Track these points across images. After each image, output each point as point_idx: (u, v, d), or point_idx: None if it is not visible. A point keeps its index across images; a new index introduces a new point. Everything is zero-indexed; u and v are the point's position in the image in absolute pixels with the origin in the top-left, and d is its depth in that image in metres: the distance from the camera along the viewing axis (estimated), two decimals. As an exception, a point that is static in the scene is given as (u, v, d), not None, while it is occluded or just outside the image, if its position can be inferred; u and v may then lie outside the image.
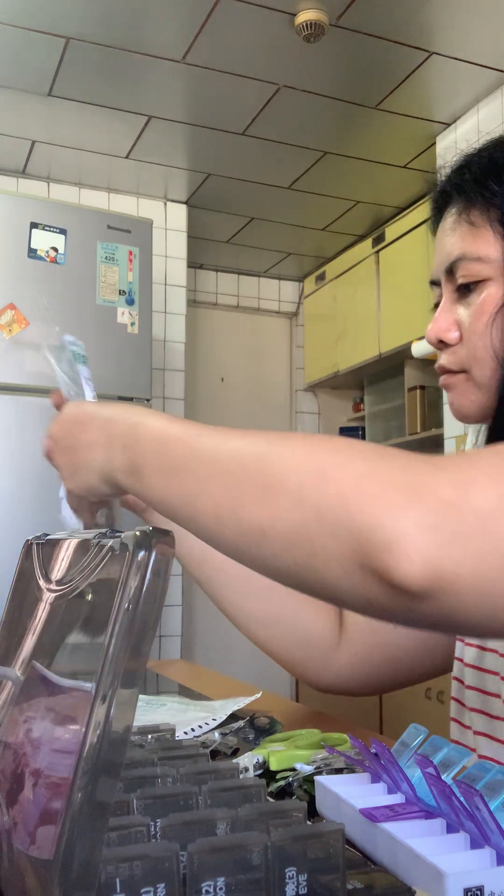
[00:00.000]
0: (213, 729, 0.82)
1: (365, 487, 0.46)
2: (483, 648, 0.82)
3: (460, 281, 0.75)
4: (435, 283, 0.80)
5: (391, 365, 3.82)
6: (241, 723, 0.81)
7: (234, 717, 0.87)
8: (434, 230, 0.81)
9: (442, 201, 0.79)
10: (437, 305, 0.80)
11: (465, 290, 0.75)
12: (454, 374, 0.78)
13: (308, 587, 0.49)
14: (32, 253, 2.70)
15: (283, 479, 0.48)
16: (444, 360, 0.78)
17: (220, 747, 0.74)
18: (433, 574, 0.43)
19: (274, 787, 0.63)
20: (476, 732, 0.80)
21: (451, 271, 0.76)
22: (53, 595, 0.46)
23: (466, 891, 0.42)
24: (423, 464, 0.48)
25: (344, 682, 0.94)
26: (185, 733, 0.80)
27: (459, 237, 0.75)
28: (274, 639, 0.95)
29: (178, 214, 3.70)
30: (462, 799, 0.46)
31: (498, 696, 0.78)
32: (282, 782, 0.63)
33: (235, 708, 0.90)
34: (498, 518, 0.44)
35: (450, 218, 0.77)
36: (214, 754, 0.73)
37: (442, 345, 0.78)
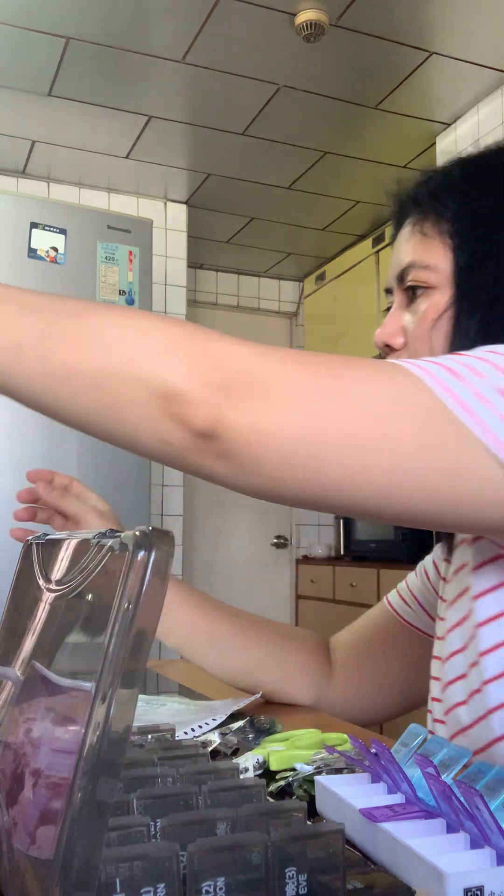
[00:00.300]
0: (213, 729, 0.82)
1: (179, 347, 0.53)
2: (440, 638, 0.83)
3: (408, 283, 0.79)
4: (389, 290, 0.84)
5: (391, 365, 3.82)
6: (241, 723, 0.81)
7: (234, 717, 0.87)
8: (393, 240, 0.86)
9: (400, 214, 0.83)
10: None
11: (412, 297, 0.79)
12: None
13: (105, 429, 0.55)
14: (32, 253, 2.70)
15: (103, 328, 0.53)
16: None
17: (220, 747, 0.74)
18: (216, 420, 0.51)
19: (274, 787, 0.63)
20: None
21: (401, 278, 0.80)
22: (53, 595, 0.46)
23: (466, 891, 0.42)
24: (234, 340, 0.55)
25: (340, 713, 0.97)
26: (185, 733, 0.80)
27: (412, 246, 0.79)
28: (262, 684, 0.97)
29: (179, 214, 3.70)
30: (462, 799, 0.46)
31: (437, 678, 0.80)
32: (282, 782, 0.63)
33: (235, 708, 0.90)
34: (280, 391, 0.53)
35: (406, 228, 0.81)
36: (214, 754, 0.73)
37: (388, 349, 0.81)
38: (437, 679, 0.80)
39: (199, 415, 0.52)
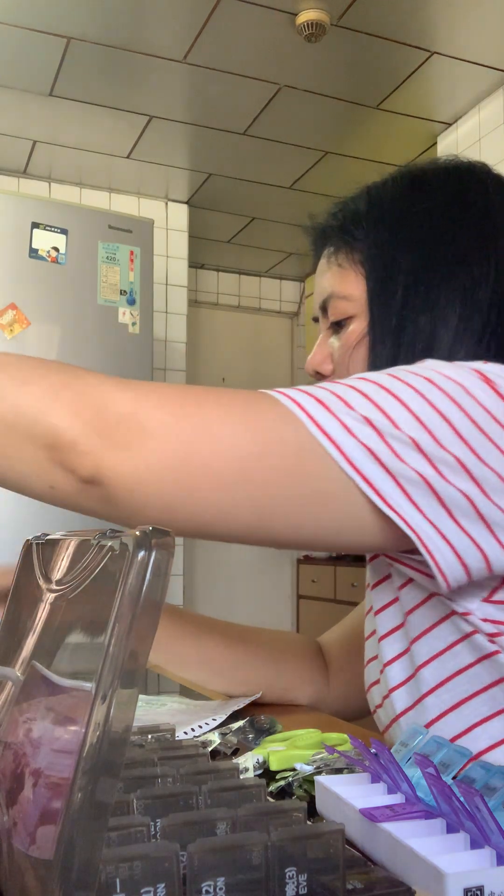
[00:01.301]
0: (214, 729, 0.82)
1: (61, 396, 0.57)
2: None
3: (331, 318, 0.82)
4: (316, 319, 0.88)
5: (392, 365, 3.82)
6: (241, 723, 0.81)
7: (234, 716, 0.87)
8: (314, 268, 0.89)
9: (317, 245, 0.87)
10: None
11: (336, 327, 0.83)
12: None
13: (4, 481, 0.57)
14: (34, 253, 2.70)
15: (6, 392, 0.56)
16: None
17: (220, 747, 0.74)
18: (98, 468, 0.55)
19: (274, 787, 0.63)
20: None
21: (324, 308, 0.84)
22: (53, 595, 0.46)
23: (466, 891, 0.42)
24: (114, 383, 0.58)
25: (340, 712, 0.98)
26: (185, 733, 0.80)
27: (330, 277, 0.83)
28: (263, 697, 0.98)
29: (180, 214, 3.70)
30: (462, 799, 0.46)
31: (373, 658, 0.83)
32: (282, 782, 0.63)
33: (236, 708, 0.90)
34: (156, 435, 0.56)
35: (324, 259, 0.85)
36: (214, 754, 0.73)
37: (318, 375, 0.85)
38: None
39: (83, 463, 0.55)
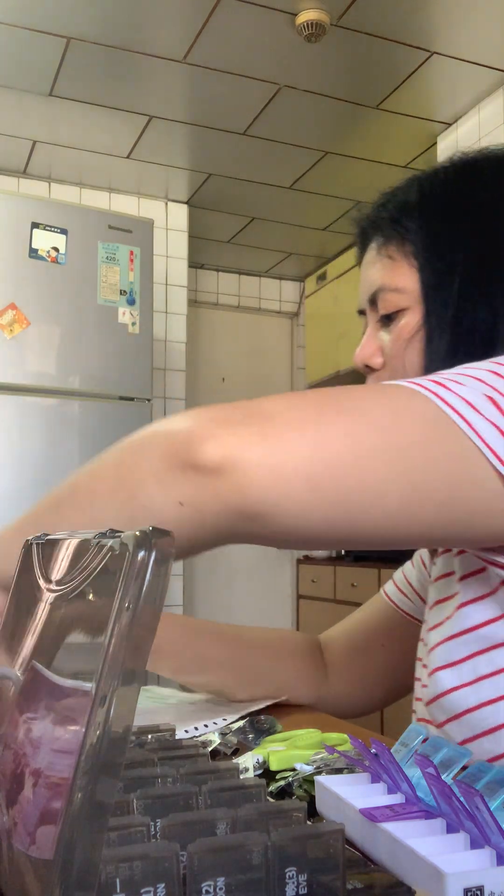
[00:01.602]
0: (213, 729, 0.82)
1: (175, 417, 0.55)
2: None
3: (381, 312, 0.82)
4: (362, 312, 0.87)
5: (392, 365, 3.83)
6: (241, 723, 0.81)
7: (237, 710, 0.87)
8: (359, 261, 0.89)
9: (363, 238, 0.86)
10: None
11: (386, 320, 0.82)
12: None
13: (128, 513, 0.53)
14: (33, 253, 2.70)
15: (109, 448, 0.57)
16: (370, 383, 0.84)
17: (220, 747, 0.74)
18: (222, 453, 0.49)
19: (274, 787, 0.63)
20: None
21: (373, 301, 0.83)
22: (53, 595, 0.46)
23: (466, 891, 0.42)
24: (224, 405, 0.55)
25: (339, 709, 0.98)
26: (186, 731, 0.80)
27: (380, 269, 0.82)
28: (258, 694, 0.97)
29: (179, 214, 3.70)
30: (462, 799, 0.46)
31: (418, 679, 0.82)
32: (282, 782, 0.63)
33: (252, 709, 0.90)
34: (284, 417, 0.52)
35: (371, 251, 0.84)
36: (214, 754, 0.73)
37: (367, 369, 0.84)
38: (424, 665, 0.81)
39: (206, 451, 0.50)
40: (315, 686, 0.99)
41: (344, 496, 0.52)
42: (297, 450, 0.50)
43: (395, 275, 0.80)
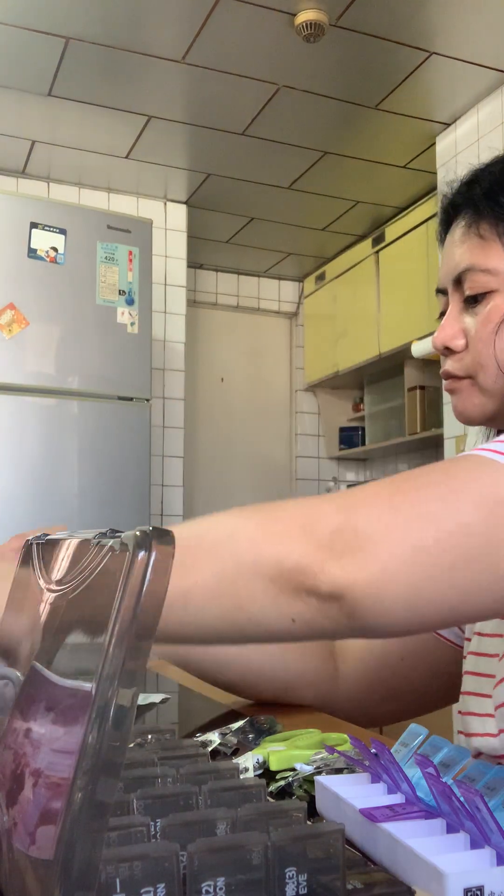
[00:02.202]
0: (213, 729, 0.82)
1: (271, 529, 0.55)
2: (482, 634, 0.82)
3: (468, 292, 0.78)
4: (441, 291, 0.83)
5: (391, 365, 3.83)
6: (241, 723, 0.81)
7: (234, 716, 0.87)
8: (442, 240, 0.84)
9: (451, 213, 0.82)
10: (442, 314, 0.83)
11: (472, 301, 0.78)
12: (459, 380, 0.81)
13: (236, 628, 0.55)
14: (32, 253, 2.70)
15: (196, 544, 0.55)
16: (449, 365, 0.82)
17: (220, 747, 0.74)
18: (337, 581, 0.51)
19: (274, 787, 0.63)
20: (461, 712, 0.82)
21: (458, 282, 0.79)
22: (53, 595, 0.46)
23: (466, 891, 0.42)
24: (314, 500, 0.57)
25: (345, 715, 0.95)
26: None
27: (468, 249, 0.78)
28: (263, 693, 0.96)
29: (178, 214, 3.70)
30: (462, 799, 0.46)
31: (491, 675, 0.79)
32: (282, 782, 0.63)
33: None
34: (377, 538, 0.52)
35: (459, 230, 0.80)
36: (214, 754, 0.73)
37: (448, 351, 0.81)
38: (489, 676, 0.79)
39: (318, 583, 0.52)
40: (321, 688, 0.97)
41: (443, 609, 0.54)
42: (398, 578, 0.52)
43: (486, 255, 0.77)
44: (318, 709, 0.97)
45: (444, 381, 0.84)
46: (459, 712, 0.83)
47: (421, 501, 0.54)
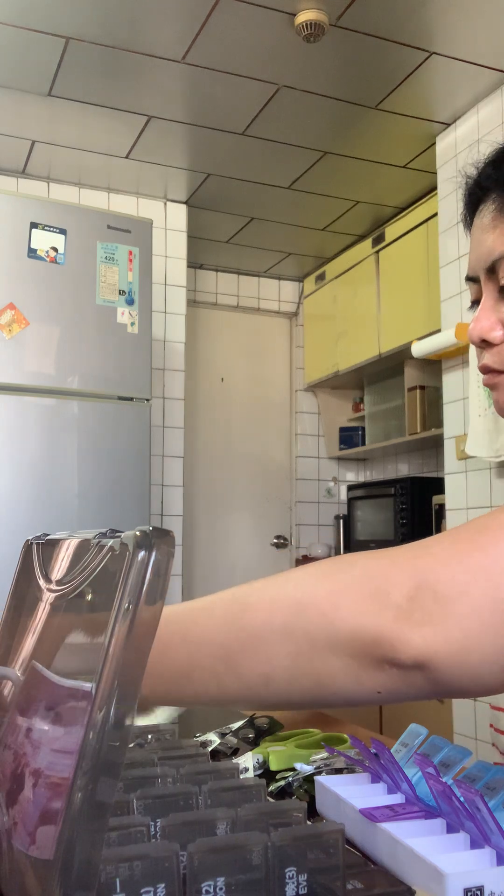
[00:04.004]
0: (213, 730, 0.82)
1: (341, 603, 0.52)
2: None
3: (503, 277, 0.73)
4: (472, 279, 0.78)
5: (391, 365, 3.83)
6: (240, 723, 0.81)
7: (234, 716, 0.86)
8: (468, 223, 0.79)
9: (478, 195, 0.77)
10: (475, 302, 0.79)
11: None
12: (499, 374, 0.77)
13: (319, 701, 0.54)
14: (32, 253, 2.70)
15: (266, 624, 0.53)
16: (487, 359, 0.77)
17: (220, 747, 0.74)
18: (418, 651, 0.50)
19: (274, 787, 0.63)
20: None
21: (492, 270, 0.74)
22: (53, 595, 0.46)
23: (466, 891, 0.42)
24: (382, 562, 0.54)
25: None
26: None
27: (500, 234, 0.73)
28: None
29: (178, 214, 3.70)
30: (462, 799, 0.46)
31: None
32: (282, 782, 0.63)
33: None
34: (455, 599, 0.50)
35: (488, 214, 0.75)
36: (215, 754, 0.73)
37: (485, 344, 0.76)
38: None
39: (399, 655, 0.50)
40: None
41: None
42: (482, 640, 0.50)
43: None
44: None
45: (482, 376, 0.79)
46: (491, 706, 0.82)
47: (500, 557, 0.51)
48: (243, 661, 0.53)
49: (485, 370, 0.78)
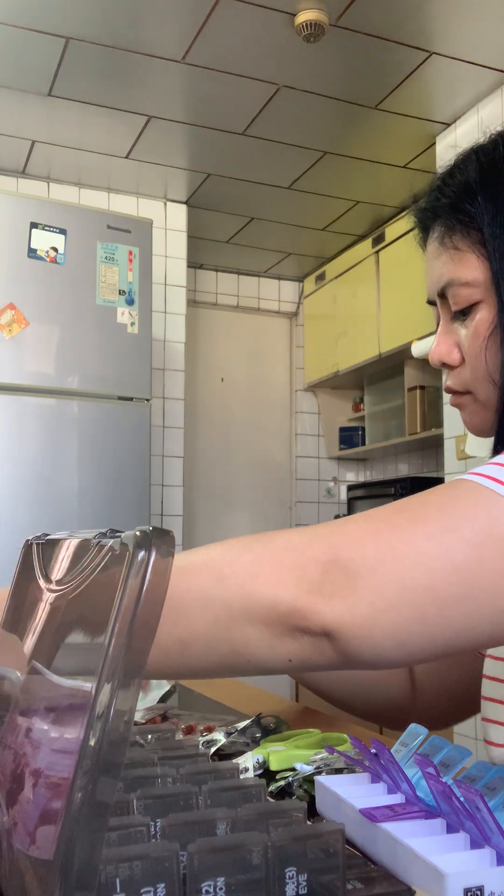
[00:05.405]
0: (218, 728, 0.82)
1: (259, 573, 0.54)
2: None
3: (454, 308, 0.75)
4: (431, 302, 0.80)
5: (391, 365, 3.82)
6: (246, 721, 0.81)
7: (240, 716, 0.87)
8: (423, 248, 0.81)
9: (425, 222, 0.79)
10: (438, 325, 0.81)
11: (460, 314, 0.76)
12: (461, 395, 0.79)
13: (235, 670, 0.56)
14: (32, 253, 2.70)
15: (187, 591, 0.55)
16: (450, 381, 0.80)
17: (224, 747, 0.74)
18: (326, 622, 0.52)
19: (274, 787, 0.63)
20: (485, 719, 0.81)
21: (443, 295, 0.77)
22: (53, 595, 0.46)
23: (466, 891, 0.42)
24: (301, 538, 0.56)
25: (431, 722, 0.95)
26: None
27: (445, 262, 0.75)
28: (356, 709, 0.98)
29: (178, 214, 3.70)
30: (462, 799, 0.46)
31: None
32: (282, 782, 0.63)
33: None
34: (364, 576, 0.53)
35: (434, 242, 0.77)
36: (218, 753, 0.73)
37: (446, 367, 0.79)
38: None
39: (310, 624, 0.53)
40: (403, 701, 0.97)
41: (437, 645, 0.54)
42: (386, 618, 0.52)
43: (463, 267, 0.73)
44: (399, 724, 0.96)
45: (448, 396, 0.81)
46: (483, 719, 0.82)
47: (412, 539, 0.53)
48: (161, 625, 0.54)
49: (448, 391, 0.81)
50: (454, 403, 0.80)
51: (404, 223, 3.60)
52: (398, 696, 0.97)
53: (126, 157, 3.28)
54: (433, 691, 0.98)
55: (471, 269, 0.73)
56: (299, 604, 0.53)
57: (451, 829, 0.49)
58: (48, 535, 0.52)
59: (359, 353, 3.86)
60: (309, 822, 0.48)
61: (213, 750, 0.72)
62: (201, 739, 0.76)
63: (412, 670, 0.99)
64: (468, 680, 0.94)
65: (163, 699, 0.98)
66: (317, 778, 0.59)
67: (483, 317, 0.73)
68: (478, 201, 0.73)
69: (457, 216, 0.74)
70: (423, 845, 0.45)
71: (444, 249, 0.75)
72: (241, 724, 0.80)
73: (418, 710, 0.98)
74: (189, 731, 0.81)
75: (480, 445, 2.65)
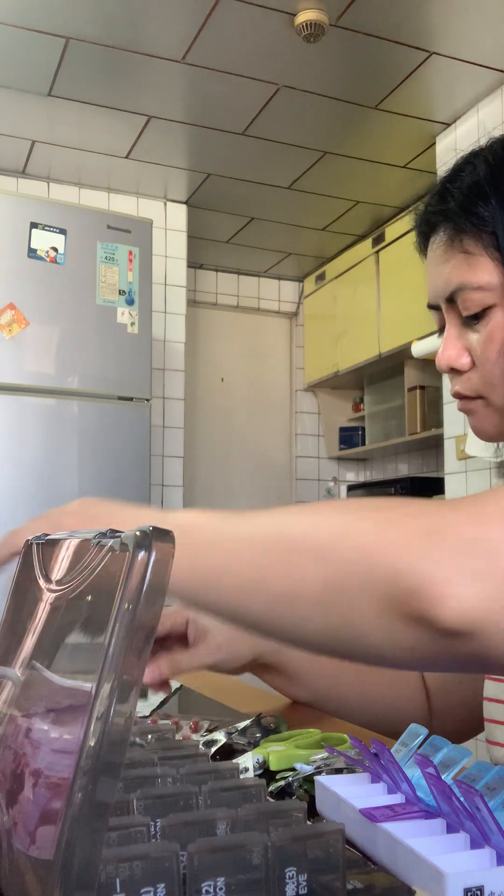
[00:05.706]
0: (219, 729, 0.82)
1: (386, 535, 0.46)
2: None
3: (465, 313, 0.73)
4: (433, 307, 0.79)
5: (391, 365, 3.83)
6: (247, 721, 0.81)
7: (240, 716, 0.87)
8: (422, 251, 0.80)
9: (428, 227, 0.77)
10: (440, 329, 0.79)
11: (471, 319, 0.74)
12: (471, 400, 0.78)
13: (343, 646, 0.49)
14: (32, 253, 2.70)
15: (305, 542, 0.49)
16: (458, 386, 0.78)
17: (225, 747, 0.74)
18: (467, 613, 0.43)
19: (274, 787, 0.63)
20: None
21: (451, 300, 0.75)
22: (53, 595, 0.46)
23: (466, 891, 0.42)
24: (437, 506, 0.48)
25: (447, 734, 0.95)
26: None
27: (455, 266, 0.73)
28: (372, 721, 0.94)
29: (178, 214, 3.70)
30: (462, 799, 0.46)
31: None
32: (282, 782, 0.63)
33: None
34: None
35: (440, 246, 0.75)
36: (219, 753, 0.73)
37: (454, 372, 0.77)
38: None
39: (441, 611, 0.44)
40: (420, 713, 0.96)
41: None
42: None
43: (475, 271, 0.71)
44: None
45: (456, 402, 0.80)
46: (485, 719, 0.82)
47: None
48: (274, 573, 0.49)
49: (457, 396, 0.79)
50: (463, 409, 0.79)
51: (404, 223, 3.60)
52: (414, 713, 0.96)
53: (126, 157, 3.29)
54: (449, 705, 0.96)
55: (484, 272, 0.71)
56: (432, 581, 0.44)
57: (451, 829, 0.49)
58: (48, 535, 0.52)
59: (359, 353, 3.86)
60: (309, 822, 0.48)
61: (213, 750, 0.72)
62: (201, 739, 0.76)
63: (427, 686, 0.98)
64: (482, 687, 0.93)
65: (163, 703, 0.98)
66: (317, 778, 0.59)
67: (498, 321, 0.72)
68: (490, 203, 0.71)
69: (467, 218, 0.72)
70: (423, 845, 0.45)
71: (453, 253, 0.73)
72: (242, 724, 0.80)
73: (436, 726, 0.96)
74: (195, 728, 0.81)
75: (480, 446, 2.65)
